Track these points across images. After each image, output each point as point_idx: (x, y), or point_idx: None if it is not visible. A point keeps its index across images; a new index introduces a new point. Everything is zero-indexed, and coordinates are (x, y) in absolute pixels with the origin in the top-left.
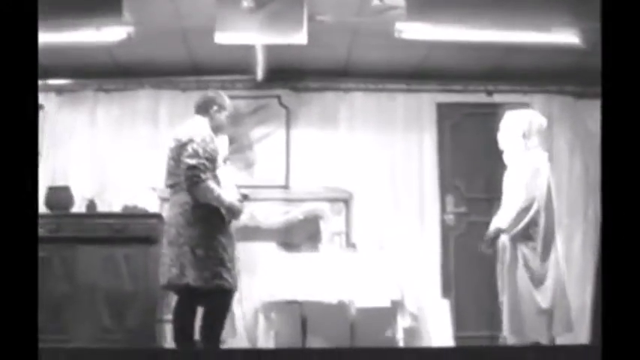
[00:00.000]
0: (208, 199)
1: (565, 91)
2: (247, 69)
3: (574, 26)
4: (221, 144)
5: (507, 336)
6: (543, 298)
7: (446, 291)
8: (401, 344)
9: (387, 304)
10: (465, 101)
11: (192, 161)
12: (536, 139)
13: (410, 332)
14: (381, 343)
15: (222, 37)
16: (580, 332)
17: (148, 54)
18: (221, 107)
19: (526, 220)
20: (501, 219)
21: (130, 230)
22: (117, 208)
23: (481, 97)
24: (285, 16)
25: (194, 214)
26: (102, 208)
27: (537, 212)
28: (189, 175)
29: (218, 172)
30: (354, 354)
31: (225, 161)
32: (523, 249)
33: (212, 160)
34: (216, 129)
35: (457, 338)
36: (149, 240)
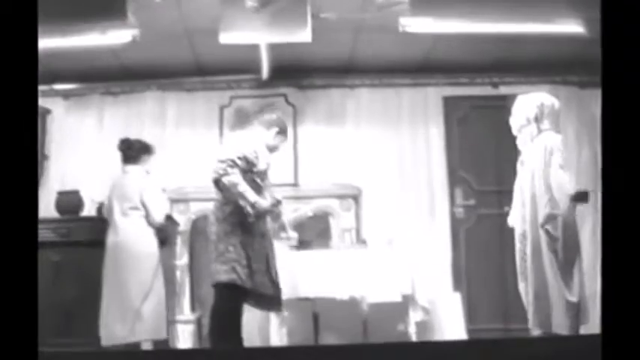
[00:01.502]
0: (233, 193)
1: (570, 81)
2: (252, 68)
3: (577, 16)
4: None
5: (532, 328)
6: (571, 291)
7: (457, 284)
8: (413, 338)
9: (398, 298)
10: (471, 94)
11: (222, 157)
12: (549, 121)
13: (422, 326)
14: (393, 337)
15: (227, 37)
16: (593, 318)
17: (154, 56)
18: (282, 131)
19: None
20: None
21: None
22: None
23: (487, 90)
24: (289, 15)
25: (221, 211)
26: None
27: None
28: (216, 169)
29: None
30: (367, 349)
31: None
32: (547, 239)
33: (245, 160)
34: (270, 147)
35: (469, 331)
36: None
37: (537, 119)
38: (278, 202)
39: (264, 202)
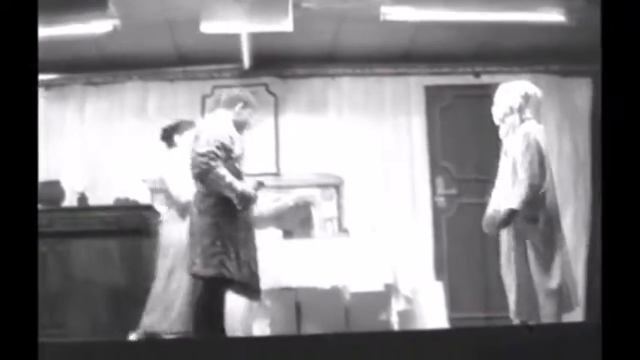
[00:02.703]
0: (220, 186)
1: (552, 70)
2: (234, 58)
3: (559, 5)
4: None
5: (514, 318)
6: (553, 279)
7: (439, 273)
8: (395, 327)
9: (380, 287)
10: (453, 83)
11: (202, 149)
12: (531, 110)
13: (404, 315)
14: (375, 327)
15: (208, 27)
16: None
17: (135, 46)
18: (247, 104)
19: (531, 198)
20: (514, 200)
21: (123, 223)
22: (108, 201)
23: (469, 79)
24: (271, 4)
25: (202, 203)
26: (93, 201)
27: (542, 191)
28: (198, 163)
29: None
30: (349, 339)
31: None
32: (529, 230)
33: (224, 149)
34: (240, 126)
35: (451, 320)
36: (141, 232)
37: (521, 108)
38: (261, 185)
39: (248, 190)
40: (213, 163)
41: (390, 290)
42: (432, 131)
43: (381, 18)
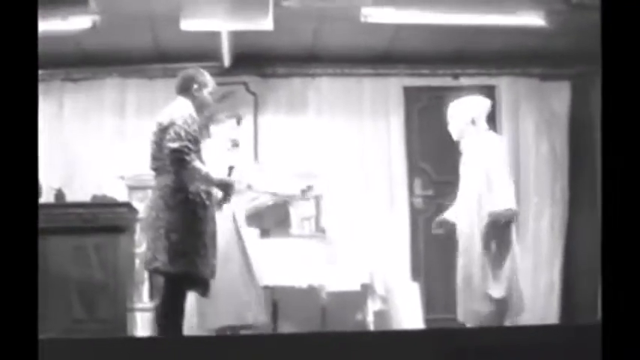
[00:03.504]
0: (197, 179)
1: (531, 73)
2: (214, 56)
3: (539, 8)
4: (231, 127)
5: (461, 320)
6: (497, 288)
7: (415, 274)
8: (371, 327)
9: (357, 287)
10: (432, 85)
11: (175, 144)
12: (485, 122)
13: (380, 315)
14: (351, 326)
15: (188, 24)
16: (549, 310)
17: (115, 43)
18: (202, 85)
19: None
20: (509, 200)
21: (100, 220)
22: (85, 198)
23: (448, 81)
24: (251, 2)
25: (173, 198)
26: (70, 197)
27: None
28: (174, 159)
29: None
30: (325, 338)
31: (234, 145)
32: (480, 237)
33: (195, 141)
34: (200, 107)
35: (427, 320)
36: (118, 229)
37: (474, 122)
38: (232, 168)
39: (227, 178)
40: (188, 158)
41: (367, 290)
42: (410, 132)
43: (362, 20)
